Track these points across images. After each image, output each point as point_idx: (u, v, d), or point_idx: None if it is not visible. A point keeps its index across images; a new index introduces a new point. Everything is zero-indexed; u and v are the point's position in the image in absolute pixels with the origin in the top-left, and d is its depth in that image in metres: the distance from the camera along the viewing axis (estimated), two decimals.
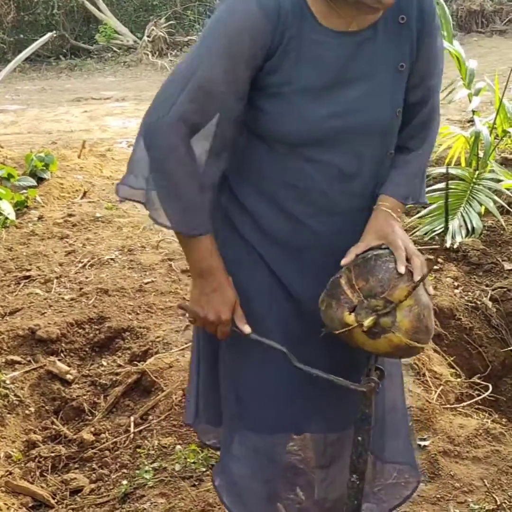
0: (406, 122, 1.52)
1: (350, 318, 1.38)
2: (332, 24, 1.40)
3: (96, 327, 3.16)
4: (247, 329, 1.49)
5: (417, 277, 1.36)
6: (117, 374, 2.91)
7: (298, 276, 1.53)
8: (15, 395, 2.75)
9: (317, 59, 1.39)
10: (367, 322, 1.35)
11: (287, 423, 1.61)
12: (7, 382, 2.78)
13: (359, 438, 1.50)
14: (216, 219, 1.53)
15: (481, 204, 3.92)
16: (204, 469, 2.34)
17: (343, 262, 1.42)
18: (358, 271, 1.38)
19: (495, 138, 4.31)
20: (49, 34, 8.54)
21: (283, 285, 1.54)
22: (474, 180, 4.02)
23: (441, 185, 3.97)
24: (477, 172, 4.06)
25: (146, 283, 3.51)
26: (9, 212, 4.46)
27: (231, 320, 1.49)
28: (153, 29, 13.55)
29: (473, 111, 4.21)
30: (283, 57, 1.38)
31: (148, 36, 13.55)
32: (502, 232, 4.01)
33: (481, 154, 4.14)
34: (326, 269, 1.47)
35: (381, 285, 1.35)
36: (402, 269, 1.36)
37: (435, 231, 3.82)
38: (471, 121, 4.84)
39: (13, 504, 2.33)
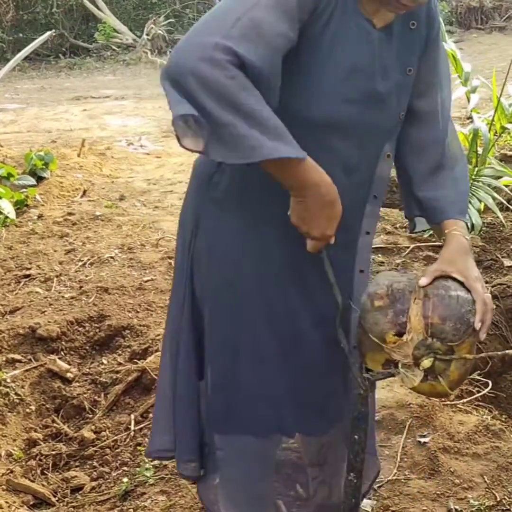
0: (426, 139, 1.55)
1: (392, 338, 1.35)
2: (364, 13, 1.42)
3: (96, 325, 3.17)
4: (332, 239, 1.42)
5: (483, 335, 1.36)
6: (117, 372, 2.91)
7: (296, 275, 1.52)
8: (16, 393, 2.76)
9: (356, 40, 1.40)
10: (426, 362, 1.32)
11: (277, 424, 1.58)
12: (8, 380, 2.78)
13: (356, 436, 1.50)
14: (209, 212, 1.51)
15: (480, 201, 3.92)
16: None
17: (422, 283, 1.38)
18: (437, 304, 1.33)
19: (494, 135, 4.31)
20: (48, 33, 8.54)
21: (287, 277, 1.51)
22: (473, 176, 4.02)
23: None
24: (476, 169, 4.06)
25: (146, 281, 3.52)
26: (9, 211, 4.47)
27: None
28: (152, 28, 13.55)
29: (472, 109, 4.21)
30: (323, 30, 1.37)
31: (147, 35, 13.56)
32: (501, 228, 4.02)
33: (480, 150, 4.14)
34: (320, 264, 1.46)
35: (454, 334, 1.32)
36: (478, 326, 1.35)
37: None
38: (470, 118, 4.84)
39: (14, 502, 2.33)
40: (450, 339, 1.31)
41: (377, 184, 1.53)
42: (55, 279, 3.59)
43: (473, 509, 2.10)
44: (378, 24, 1.42)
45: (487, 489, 2.18)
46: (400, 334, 1.34)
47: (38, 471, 2.51)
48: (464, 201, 1.61)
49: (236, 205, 1.49)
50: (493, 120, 4.22)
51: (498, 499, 2.14)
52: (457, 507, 2.11)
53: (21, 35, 14.04)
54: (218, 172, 1.49)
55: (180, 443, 1.65)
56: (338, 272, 1.49)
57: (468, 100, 4.19)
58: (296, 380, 1.54)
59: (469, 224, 3.83)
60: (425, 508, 2.11)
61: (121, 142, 7.20)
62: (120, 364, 2.98)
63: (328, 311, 1.49)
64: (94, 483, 2.43)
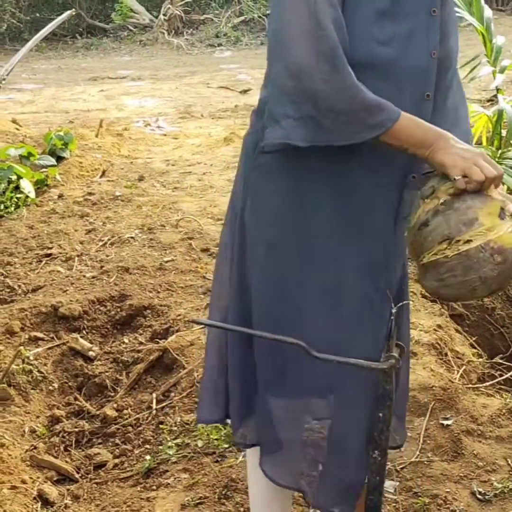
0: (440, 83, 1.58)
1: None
2: None
3: (117, 304, 3.17)
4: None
5: None
6: (139, 351, 2.92)
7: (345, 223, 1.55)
8: (39, 371, 2.77)
9: None
10: None
11: (312, 385, 1.59)
12: (31, 358, 2.80)
13: (381, 414, 1.49)
14: (257, 177, 1.56)
15: (503, 183, 3.87)
16: (226, 446, 2.36)
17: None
18: None
19: None
20: (68, 12, 8.49)
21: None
22: (496, 159, 3.97)
23: None
24: (499, 151, 4.01)
25: (166, 262, 3.52)
26: (30, 190, 4.49)
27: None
28: (169, 8, 13.49)
29: (497, 89, 4.16)
30: None
31: (164, 15, 13.50)
32: None
33: (503, 133, 4.09)
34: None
35: None
36: None
37: None
38: (491, 100, 4.79)
39: (38, 477, 2.35)
40: None
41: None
42: (76, 258, 3.61)
43: (497, 491, 2.10)
44: None
45: (510, 472, 2.18)
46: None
47: (61, 448, 2.53)
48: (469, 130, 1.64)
49: (282, 167, 1.55)
50: None
51: None
52: (480, 489, 2.11)
53: (38, 15, 14.02)
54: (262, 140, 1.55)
55: (233, 411, 1.68)
56: None
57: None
58: (336, 336, 1.55)
59: None
60: (448, 490, 2.11)
61: (138, 123, 7.20)
62: (141, 343, 2.99)
63: (376, 257, 1.55)
64: (116, 460, 2.45)
